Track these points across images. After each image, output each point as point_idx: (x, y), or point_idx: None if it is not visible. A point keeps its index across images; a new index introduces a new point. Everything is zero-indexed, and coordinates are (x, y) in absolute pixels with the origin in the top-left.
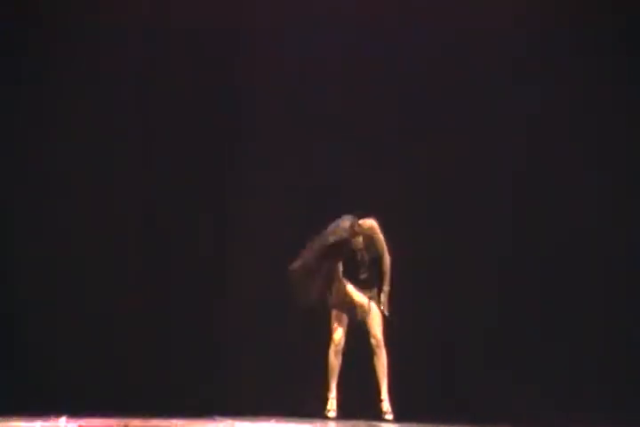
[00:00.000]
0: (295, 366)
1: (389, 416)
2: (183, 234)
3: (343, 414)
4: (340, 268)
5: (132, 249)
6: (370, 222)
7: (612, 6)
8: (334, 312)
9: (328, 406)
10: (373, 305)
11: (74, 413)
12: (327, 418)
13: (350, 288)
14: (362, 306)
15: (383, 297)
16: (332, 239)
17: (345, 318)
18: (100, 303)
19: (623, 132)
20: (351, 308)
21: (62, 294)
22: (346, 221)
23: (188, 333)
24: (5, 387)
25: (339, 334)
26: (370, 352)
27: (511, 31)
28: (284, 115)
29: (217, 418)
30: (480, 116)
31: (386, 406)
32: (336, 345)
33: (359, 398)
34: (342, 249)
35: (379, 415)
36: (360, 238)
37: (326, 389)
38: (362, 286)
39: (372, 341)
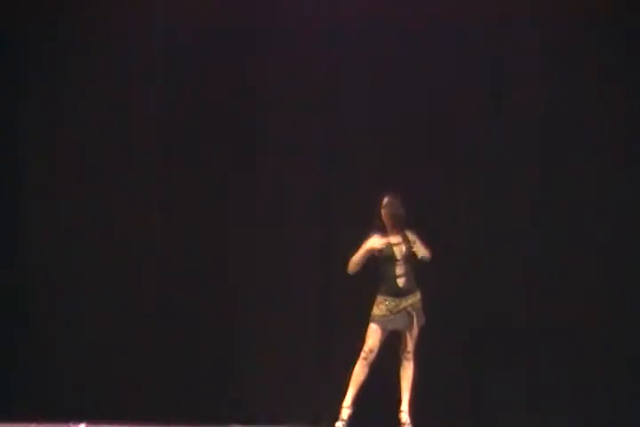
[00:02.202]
0: (312, 376)
1: (340, 425)
2: (197, 240)
3: (359, 424)
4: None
5: (148, 255)
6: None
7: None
8: (374, 324)
9: (341, 415)
10: (415, 316)
11: (92, 420)
12: None
13: (393, 299)
14: (405, 317)
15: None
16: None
17: (384, 332)
18: (120, 314)
19: None
20: (394, 320)
21: (82, 304)
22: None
23: (205, 341)
24: (25, 393)
25: (373, 347)
26: (397, 363)
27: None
28: (296, 114)
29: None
30: (500, 115)
31: (405, 417)
32: (367, 357)
33: (376, 409)
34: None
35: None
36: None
37: (343, 397)
38: (401, 292)
39: (404, 353)
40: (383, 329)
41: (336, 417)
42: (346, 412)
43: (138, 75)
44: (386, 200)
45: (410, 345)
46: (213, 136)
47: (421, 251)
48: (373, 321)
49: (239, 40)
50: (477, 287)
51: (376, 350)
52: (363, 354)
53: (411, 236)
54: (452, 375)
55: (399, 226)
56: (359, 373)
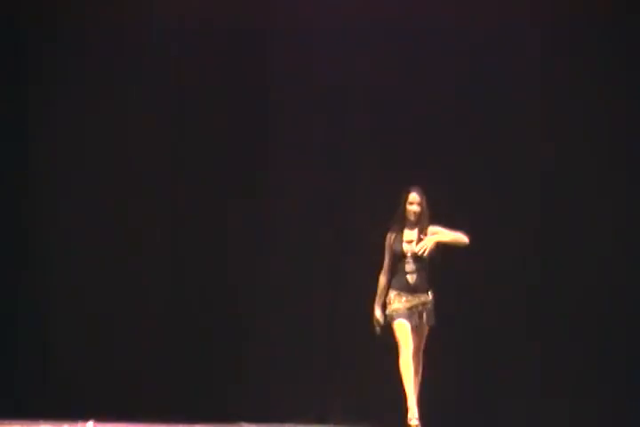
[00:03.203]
0: (319, 375)
1: (415, 422)
2: (204, 238)
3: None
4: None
5: (157, 254)
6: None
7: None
8: (400, 319)
9: (409, 415)
10: (425, 315)
11: (100, 417)
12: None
13: (405, 294)
14: (415, 314)
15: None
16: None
17: (409, 325)
18: (128, 312)
19: None
20: (409, 315)
21: (88, 301)
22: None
23: (214, 340)
24: (33, 391)
25: (407, 340)
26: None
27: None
28: (297, 115)
29: (243, 425)
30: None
31: (411, 413)
32: (405, 352)
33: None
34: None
35: (404, 423)
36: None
37: (349, 395)
38: (411, 288)
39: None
40: (409, 321)
41: (342, 415)
42: (413, 411)
43: (137, 75)
44: (412, 195)
45: (418, 343)
46: (217, 136)
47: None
48: (398, 316)
49: (241, 40)
50: (480, 288)
51: (410, 342)
52: (401, 352)
53: (432, 231)
54: (458, 376)
55: (422, 223)
56: (407, 370)
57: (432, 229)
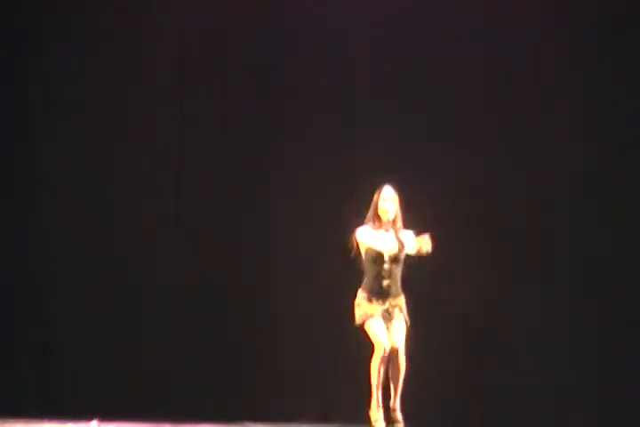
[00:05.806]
0: (323, 375)
1: (399, 426)
2: (211, 239)
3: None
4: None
5: (157, 253)
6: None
7: None
8: (376, 319)
9: (374, 417)
10: (397, 312)
11: (105, 416)
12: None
13: (377, 299)
14: (386, 314)
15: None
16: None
17: (382, 323)
18: (133, 312)
19: None
20: (384, 316)
21: (94, 298)
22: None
23: (218, 340)
24: (38, 389)
25: (385, 342)
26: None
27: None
28: (309, 114)
29: (248, 425)
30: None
31: (395, 415)
32: (384, 354)
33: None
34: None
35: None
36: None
37: (353, 395)
38: (384, 294)
39: (391, 349)
40: (381, 320)
41: (345, 415)
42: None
43: (137, 75)
44: (384, 190)
45: (395, 340)
46: (218, 135)
47: (423, 246)
48: (374, 317)
49: (241, 40)
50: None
51: (388, 344)
52: (378, 351)
53: (406, 234)
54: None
55: (395, 222)
56: (375, 371)
57: (405, 232)
